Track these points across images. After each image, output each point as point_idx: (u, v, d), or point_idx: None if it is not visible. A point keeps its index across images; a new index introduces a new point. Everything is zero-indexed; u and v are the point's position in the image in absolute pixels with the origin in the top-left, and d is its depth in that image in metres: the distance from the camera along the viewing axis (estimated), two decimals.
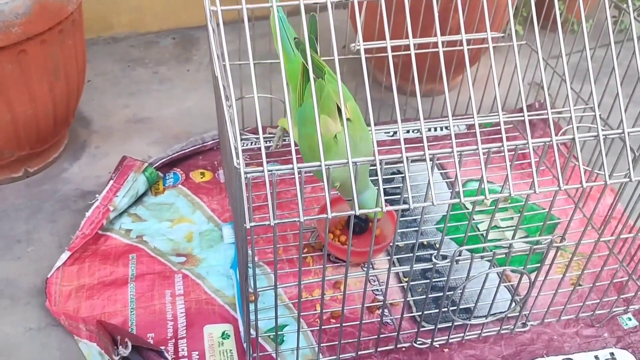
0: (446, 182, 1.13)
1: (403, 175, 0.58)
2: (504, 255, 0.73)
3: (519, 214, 0.77)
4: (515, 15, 1.38)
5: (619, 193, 0.77)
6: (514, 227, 0.70)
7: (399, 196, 0.62)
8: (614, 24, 1.04)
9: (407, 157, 0.58)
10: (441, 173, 1.15)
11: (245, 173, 0.56)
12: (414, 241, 0.83)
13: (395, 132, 1.22)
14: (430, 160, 0.59)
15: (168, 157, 1.12)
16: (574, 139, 0.61)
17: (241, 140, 1.16)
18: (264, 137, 1.12)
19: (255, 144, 1.17)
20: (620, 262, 0.88)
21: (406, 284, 0.79)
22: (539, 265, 0.75)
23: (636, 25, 0.90)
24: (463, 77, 1.33)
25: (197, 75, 1.43)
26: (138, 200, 1.05)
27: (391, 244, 0.86)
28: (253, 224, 0.58)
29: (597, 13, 1.10)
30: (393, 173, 1.13)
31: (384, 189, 1.09)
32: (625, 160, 0.64)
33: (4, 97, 0.95)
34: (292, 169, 0.56)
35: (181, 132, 1.23)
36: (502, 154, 0.60)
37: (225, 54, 0.60)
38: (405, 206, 0.59)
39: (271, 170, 0.56)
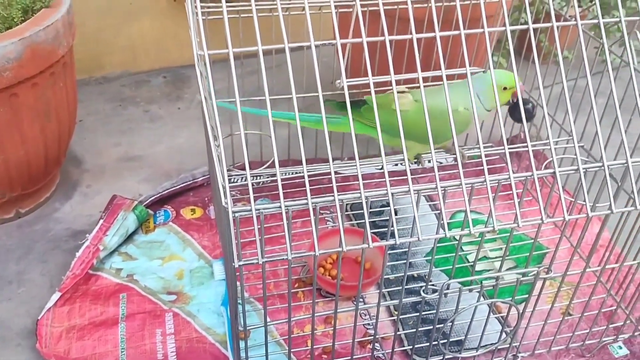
0: (435, 213, 1.14)
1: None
2: (492, 287, 0.73)
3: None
4: (498, 48, 1.41)
5: (604, 223, 0.78)
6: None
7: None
8: (596, 55, 1.06)
9: (392, 193, 0.59)
10: (430, 205, 1.16)
11: (233, 212, 0.57)
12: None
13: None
14: (415, 195, 0.60)
15: (158, 195, 1.13)
16: (554, 172, 0.63)
17: (230, 177, 1.16)
18: (252, 174, 1.13)
19: (245, 180, 1.17)
20: (607, 290, 0.89)
21: (397, 317, 0.80)
22: (527, 296, 0.76)
23: (616, 56, 0.93)
24: None
25: (188, 113, 1.45)
26: (128, 238, 1.06)
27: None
28: (242, 262, 0.59)
29: (578, 44, 1.13)
30: (383, 205, 1.14)
31: (374, 222, 1.10)
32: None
33: None
34: (280, 207, 0.57)
35: (172, 169, 1.24)
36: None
37: (213, 95, 0.62)
38: (391, 242, 0.60)
39: (259, 210, 0.57)
